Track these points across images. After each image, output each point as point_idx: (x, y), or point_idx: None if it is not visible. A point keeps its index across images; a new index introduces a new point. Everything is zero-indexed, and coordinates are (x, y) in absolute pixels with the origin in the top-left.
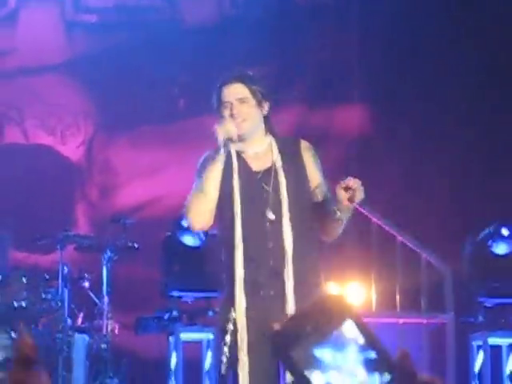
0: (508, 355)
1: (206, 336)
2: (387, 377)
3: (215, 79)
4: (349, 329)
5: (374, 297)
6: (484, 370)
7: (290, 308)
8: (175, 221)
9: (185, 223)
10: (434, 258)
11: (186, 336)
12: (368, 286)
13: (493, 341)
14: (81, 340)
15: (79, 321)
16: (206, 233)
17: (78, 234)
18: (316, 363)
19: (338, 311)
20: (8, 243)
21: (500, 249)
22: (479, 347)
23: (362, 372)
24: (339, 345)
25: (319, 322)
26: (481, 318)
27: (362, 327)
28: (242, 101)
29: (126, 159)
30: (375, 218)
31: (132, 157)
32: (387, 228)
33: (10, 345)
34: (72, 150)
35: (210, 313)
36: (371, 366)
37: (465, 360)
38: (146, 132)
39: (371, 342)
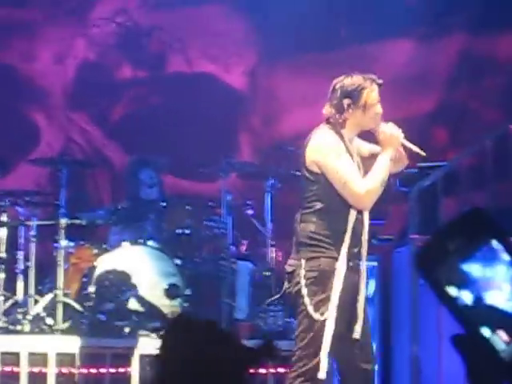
0: None
1: (370, 263)
2: None
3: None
4: (495, 244)
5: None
6: None
7: None
8: None
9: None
10: None
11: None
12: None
13: None
14: (244, 267)
15: (243, 248)
16: None
17: (241, 161)
18: (464, 279)
19: (484, 226)
20: (164, 168)
21: None
22: None
23: (508, 288)
24: (488, 259)
25: (464, 238)
26: None
27: (508, 244)
28: None
29: (289, 87)
30: None
31: (295, 85)
32: None
33: (173, 272)
34: (235, 78)
35: (373, 240)
36: None
37: None
38: (308, 60)
39: None
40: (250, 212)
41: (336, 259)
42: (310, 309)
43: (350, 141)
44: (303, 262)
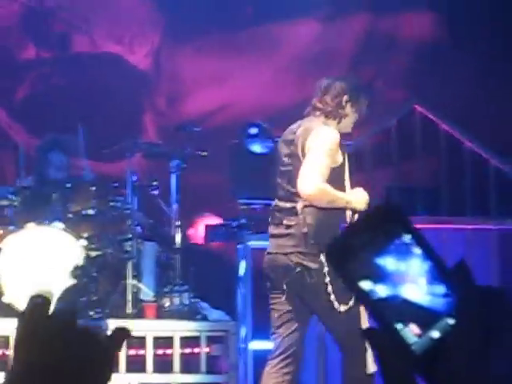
0: None
1: None
2: (445, 287)
3: None
4: (408, 238)
5: (443, 203)
6: None
7: None
8: (243, 128)
9: (254, 131)
10: (503, 164)
11: (254, 243)
12: (436, 193)
13: None
14: (150, 248)
15: (148, 229)
16: (274, 140)
17: (145, 141)
18: (377, 273)
19: (394, 220)
20: (75, 151)
21: None
22: None
23: (423, 281)
24: (402, 253)
25: (376, 232)
26: None
27: (419, 238)
28: None
29: (194, 68)
30: (444, 123)
31: (200, 65)
32: (455, 133)
33: (79, 253)
34: (140, 58)
35: None
36: (432, 275)
37: None
38: (213, 40)
39: (429, 252)
40: (155, 193)
41: None
42: (336, 304)
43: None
44: (322, 256)
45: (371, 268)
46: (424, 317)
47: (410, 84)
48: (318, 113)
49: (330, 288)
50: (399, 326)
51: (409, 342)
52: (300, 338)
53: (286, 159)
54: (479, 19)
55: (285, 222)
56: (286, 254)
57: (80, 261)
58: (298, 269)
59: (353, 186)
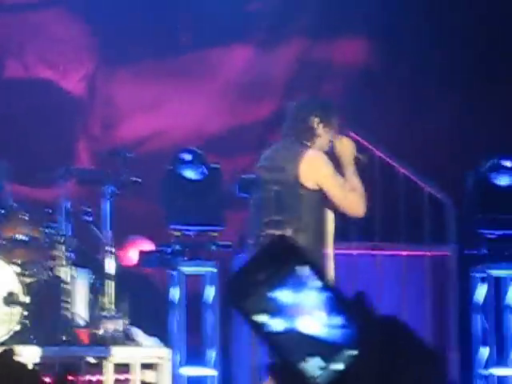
0: (510, 286)
1: (209, 270)
2: (344, 318)
3: (217, 14)
4: (305, 271)
5: (377, 229)
6: (486, 301)
7: None
8: (176, 154)
9: (188, 157)
10: (436, 190)
11: (188, 270)
12: (370, 219)
13: (495, 272)
14: (83, 274)
15: (82, 255)
16: (207, 166)
17: (79, 167)
18: (274, 307)
19: (290, 254)
20: (6, 174)
21: (502, 180)
22: (481, 279)
23: (321, 313)
24: (297, 286)
25: (272, 267)
26: (483, 250)
27: (316, 269)
28: None
29: (129, 93)
30: (378, 150)
31: (134, 91)
32: (389, 160)
33: (12, 279)
34: (74, 84)
35: (213, 247)
36: (330, 306)
37: (467, 292)
38: (148, 66)
39: (327, 284)
40: (88, 219)
41: None
42: None
43: None
44: None
45: (268, 302)
46: (326, 349)
47: (344, 110)
48: (291, 137)
49: None
50: (301, 358)
51: (313, 375)
52: None
53: (269, 186)
54: (413, 45)
55: None
56: None
57: (13, 287)
58: None
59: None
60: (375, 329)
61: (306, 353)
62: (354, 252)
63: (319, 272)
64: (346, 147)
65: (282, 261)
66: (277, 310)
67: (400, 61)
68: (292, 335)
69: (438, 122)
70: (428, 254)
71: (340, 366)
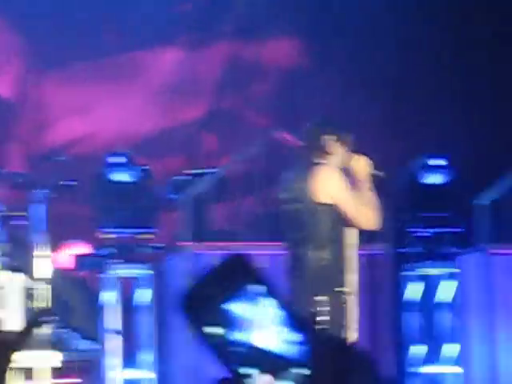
0: (441, 284)
1: (143, 272)
2: (298, 334)
3: (147, 16)
4: (259, 288)
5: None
6: (419, 299)
7: None
8: (106, 158)
9: (117, 160)
10: None
11: (122, 272)
12: None
13: (426, 271)
14: (17, 278)
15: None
16: (138, 168)
17: (10, 171)
18: (227, 320)
19: (245, 272)
20: None
21: (431, 179)
22: (412, 277)
23: (276, 329)
24: (249, 300)
25: (228, 282)
26: (416, 248)
27: (271, 287)
28: None
29: (59, 96)
30: None
31: (65, 94)
32: None
33: None
34: (4, 88)
35: (146, 249)
36: (285, 324)
37: (398, 290)
38: (78, 69)
39: (282, 301)
40: (22, 223)
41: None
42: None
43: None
44: (326, 298)
45: (222, 315)
46: (277, 364)
47: (275, 110)
48: (307, 157)
49: None
50: (249, 372)
51: None
52: None
53: (290, 205)
54: (340, 44)
55: None
56: None
57: None
58: None
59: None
60: (327, 348)
61: (258, 367)
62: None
63: (273, 290)
64: (362, 165)
65: (237, 278)
66: (230, 324)
67: (329, 60)
68: (244, 349)
69: (367, 121)
70: (361, 252)
71: None
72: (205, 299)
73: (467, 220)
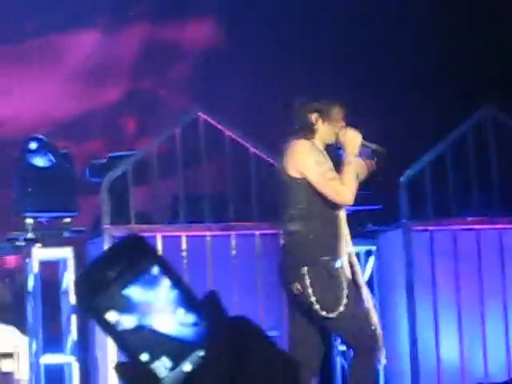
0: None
1: (63, 256)
2: (195, 317)
3: None
4: (156, 269)
5: (231, 212)
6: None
7: None
8: (24, 142)
9: (34, 145)
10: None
11: (42, 257)
12: (223, 199)
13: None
14: None
15: None
16: (56, 152)
17: None
18: (124, 304)
19: (141, 252)
20: None
21: None
22: None
23: (173, 311)
24: (149, 284)
25: (122, 265)
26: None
27: (167, 268)
28: None
29: None
30: (228, 130)
31: None
32: (240, 139)
33: None
34: None
35: (66, 233)
36: (181, 305)
37: None
38: None
39: (177, 282)
40: None
41: (334, 260)
42: (324, 312)
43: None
44: (306, 268)
45: (118, 299)
46: (175, 348)
47: (194, 91)
48: (295, 135)
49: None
50: (149, 358)
51: (160, 376)
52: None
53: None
54: (260, 25)
55: None
56: None
57: None
58: None
59: None
60: (224, 329)
61: (155, 352)
62: (208, 233)
63: (170, 270)
64: (349, 138)
65: (132, 258)
66: (127, 308)
67: (248, 41)
68: (142, 334)
69: (287, 102)
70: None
71: (188, 367)
72: (99, 283)
73: (386, 197)
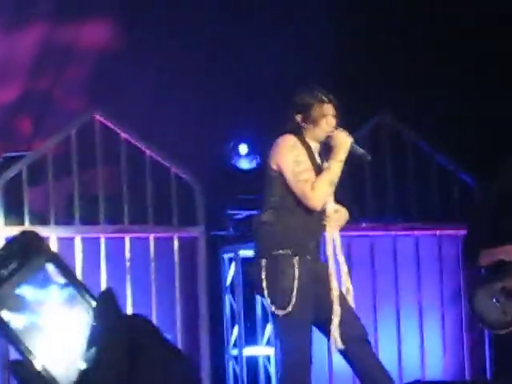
0: None
1: None
2: (90, 312)
3: None
4: (50, 267)
5: (126, 213)
6: (235, 282)
7: None
8: None
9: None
10: (183, 172)
11: None
12: (118, 201)
13: (243, 253)
14: None
15: None
16: None
17: None
18: (16, 303)
19: (36, 249)
20: None
21: (243, 164)
22: (230, 260)
23: (64, 309)
24: (41, 282)
25: (16, 262)
26: (231, 231)
27: (61, 266)
28: None
29: None
30: (124, 132)
31: None
32: (136, 142)
33: None
34: None
35: None
36: (74, 302)
37: (217, 273)
38: None
39: (72, 280)
40: None
41: (296, 255)
42: (273, 307)
43: (314, 150)
44: (264, 260)
45: (11, 298)
46: (69, 347)
47: (91, 93)
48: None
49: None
50: (42, 356)
51: (54, 375)
52: None
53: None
54: (161, 25)
55: None
56: None
57: None
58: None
59: None
60: (120, 326)
61: (48, 351)
62: (102, 236)
63: (64, 268)
64: (339, 141)
65: (26, 256)
66: (20, 307)
67: (148, 42)
68: (34, 333)
69: (184, 106)
70: (175, 235)
71: (82, 365)
72: None
73: None
